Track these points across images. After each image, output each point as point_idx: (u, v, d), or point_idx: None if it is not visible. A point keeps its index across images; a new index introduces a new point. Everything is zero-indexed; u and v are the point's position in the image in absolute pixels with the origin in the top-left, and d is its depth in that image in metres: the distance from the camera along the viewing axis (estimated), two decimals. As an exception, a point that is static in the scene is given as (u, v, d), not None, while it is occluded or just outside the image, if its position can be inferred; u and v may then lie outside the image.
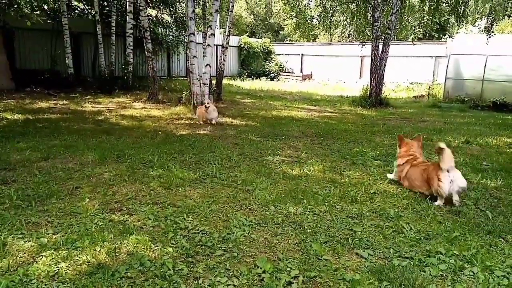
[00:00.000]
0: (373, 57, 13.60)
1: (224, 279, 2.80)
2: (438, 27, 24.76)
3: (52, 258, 2.97)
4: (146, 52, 13.04)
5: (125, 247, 3.18)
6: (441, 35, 26.85)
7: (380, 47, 13.49)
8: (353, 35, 21.29)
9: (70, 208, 3.92)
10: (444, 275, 2.90)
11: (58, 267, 2.86)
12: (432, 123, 10.29)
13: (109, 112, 10.11)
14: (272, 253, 3.21)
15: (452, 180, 4.21)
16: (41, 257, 2.99)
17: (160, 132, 7.84)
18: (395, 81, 20.16)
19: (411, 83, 20.48)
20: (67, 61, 14.40)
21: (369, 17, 16.20)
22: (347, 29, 20.94)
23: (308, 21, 17.27)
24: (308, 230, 3.61)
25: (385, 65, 13.56)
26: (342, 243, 3.38)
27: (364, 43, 16.48)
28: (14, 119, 8.52)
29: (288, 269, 2.95)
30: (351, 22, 18.27)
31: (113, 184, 4.68)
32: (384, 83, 14.13)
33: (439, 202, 4.33)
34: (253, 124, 9.35)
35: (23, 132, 7.26)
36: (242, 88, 18.50)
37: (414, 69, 20.92)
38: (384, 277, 2.82)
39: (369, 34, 18.16)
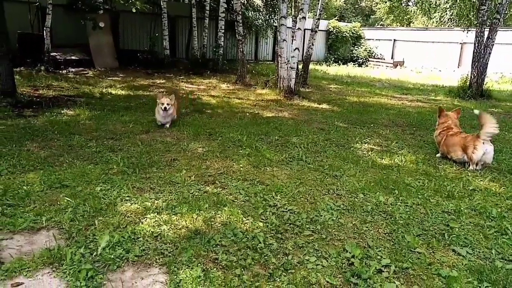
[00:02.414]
0: (476, 44, 12.38)
1: (313, 259, 2.84)
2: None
3: (155, 221, 3.25)
4: (237, 36, 13.35)
5: (219, 217, 3.37)
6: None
7: (486, 33, 12.24)
8: (453, 20, 19.59)
9: (169, 177, 4.23)
10: (557, 284, 2.62)
11: (160, 229, 3.13)
12: (544, 120, 9.17)
13: (200, 92, 10.60)
14: (361, 240, 3.17)
15: (485, 152, 4.95)
16: (145, 218, 3.29)
17: (247, 114, 8.05)
18: (499, 72, 18.22)
19: (519, 74, 18.34)
20: (164, 43, 15.32)
21: (474, 0, 14.75)
22: (447, 13, 19.33)
23: (403, 4, 16.22)
24: (400, 221, 3.49)
25: (490, 53, 12.28)
26: (437, 238, 3.22)
27: (468, 29, 15.07)
28: (118, 95, 9.34)
29: (379, 257, 2.89)
30: (453, 6, 16.81)
31: (206, 159, 4.95)
32: (486, 74, 12.85)
33: (472, 167, 5.07)
34: (339, 110, 9.16)
35: (126, 106, 7.94)
36: (328, 73, 18.13)
37: (524, 59, 18.67)
38: (485, 278, 2.64)
39: (472, 19, 16.60)
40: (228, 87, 11.87)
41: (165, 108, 6.17)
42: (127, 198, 3.67)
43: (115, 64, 14.12)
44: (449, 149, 5.40)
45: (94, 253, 2.76)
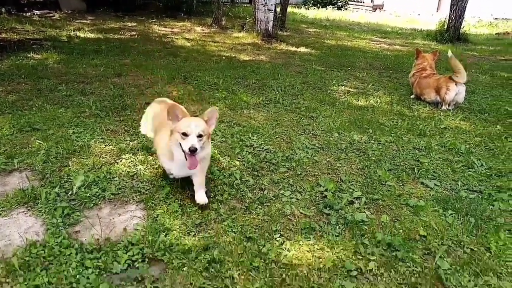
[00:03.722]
0: (455, -13, 12.21)
1: (288, 193, 2.92)
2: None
3: (131, 161, 3.24)
4: (211, -25, 12.72)
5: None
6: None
7: (466, -25, 12.03)
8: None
9: (144, 120, 4.16)
10: (515, 210, 2.80)
11: (136, 168, 3.12)
12: (516, 62, 9.34)
13: (174, 35, 10.21)
14: (334, 175, 3.26)
15: (457, 93, 5.11)
16: (121, 159, 3.27)
17: (223, 57, 7.85)
18: (476, 16, 18.20)
19: (496, 18, 18.39)
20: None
21: None
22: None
23: None
24: (373, 158, 3.59)
25: (468, -4, 12.18)
26: (407, 172, 3.34)
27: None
28: (87, 38, 8.90)
29: (351, 190, 2.99)
30: None
31: (182, 102, 4.85)
32: (464, 17, 12.80)
33: (444, 107, 5.22)
34: (317, 53, 9.05)
35: (97, 50, 7.60)
36: (307, 16, 17.69)
37: (500, 3, 18.62)
38: (449, 206, 2.79)
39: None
40: (203, 30, 11.47)
41: (193, 149, 2.42)
42: (101, 140, 3.62)
43: (82, 6, 13.36)
44: (423, 91, 5.48)
45: (70, 192, 2.75)
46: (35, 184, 2.84)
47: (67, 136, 3.63)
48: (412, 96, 5.70)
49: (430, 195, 2.98)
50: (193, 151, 2.37)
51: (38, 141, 3.49)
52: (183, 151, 2.45)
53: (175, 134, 2.50)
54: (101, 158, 3.28)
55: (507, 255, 2.30)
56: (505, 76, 7.56)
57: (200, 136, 2.43)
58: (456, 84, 5.08)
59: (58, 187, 2.80)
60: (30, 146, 3.42)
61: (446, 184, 3.17)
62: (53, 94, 4.87)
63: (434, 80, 5.35)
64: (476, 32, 15.12)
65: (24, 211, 2.55)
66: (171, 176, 2.84)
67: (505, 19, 17.89)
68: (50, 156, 3.24)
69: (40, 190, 2.72)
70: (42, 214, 2.51)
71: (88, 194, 2.72)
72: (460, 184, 3.15)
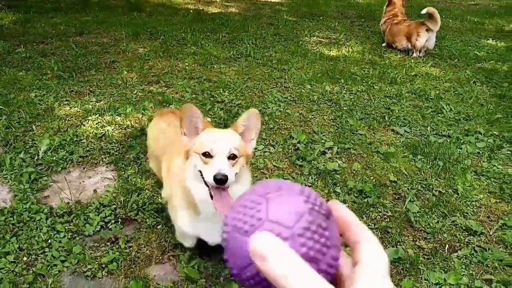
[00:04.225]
0: None
1: (261, 147, 2.91)
2: None
3: (98, 122, 3.13)
4: None
5: (165, 115, 3.29)
6: None
7: None
8: None
9: (110, 79, 4.00)
10: (481, 152, 2.89)
11: (104, 129, 3.03)
12: (485, 6, 9.35)
13: (138, -11, 9.66)
14: (307, 127, 3.26)
15: (427, 39, 5.09)
16: (87, 121, 3.16)
17: (191, 10, 7.53)
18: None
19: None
20: None
21: None
22: None
23: None
24: (344, 108, 3.59)
25: None
26: (378, 120, 3.37)
27: None
28: (45, -5, 8.33)
29: (323, 141, 3.01)
30: None
31: (149, 59, 4.68)
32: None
33: (415, 54, 5.20)
34: (288, 2, 8.78)
35: (55, 7, 7.13)
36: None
37: None
38: (419, 152, 2.85)
39: None
40: (169, -17, 10.89)
41: (221, 177, 1.43)
42: (66, 103, 3.47)
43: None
44: (394, 38, 5.43)
45: (36, 157, 2.66)
46: (-2, 151, 2.73)
47: (29, 100, 3.47)
48: (383, 44, 5.66)
49: (400, 141, 3.03)
50: (221, 181, 1.40)
51: (-2, 106, 3.32)
52: (206, 183, 1.50)
53: (193, 157, 1.55)
54: (66, 121, 3.15)
55: (473, 195, 2.40)
56: (475, 20, 7.58)
57: (232, 157, 1.49)
58: (427, 30, 5.05)
59: (23, 152, 2.70)
60: (-11, 112, 3.25)
61: (416, 130, 3.22)
62: (11, 56, 4.59)
63: (405, 27, 5.29)
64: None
65: (-12, 179, 2.46)
66: (191, 244, 1.84)
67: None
68: (12, 122, 3.10)
69: (4, 156, 2.61)
70: (8, 181, 2.43)
71: (55, 158, 2.64)
72: (429, 130, 3.21)
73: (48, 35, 5.45)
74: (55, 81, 3.93)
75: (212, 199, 1.48)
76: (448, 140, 3.05)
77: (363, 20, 7.43)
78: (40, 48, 4.90)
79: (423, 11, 5.09)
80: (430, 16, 5.00)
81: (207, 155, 1.49)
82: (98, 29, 5.83)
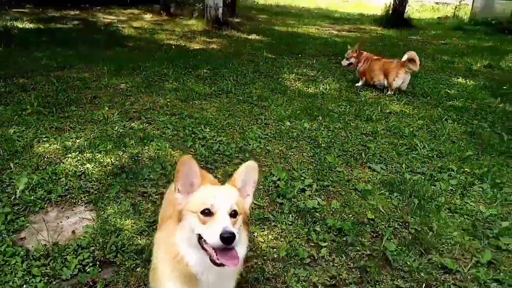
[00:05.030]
0: (399, -29, 12.63)
1: (241, 185, 2.93)
2: None
3: (78, 160, 3.11)
4: (157, -40, 12.27)
5: (147, 152, 3.31)
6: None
7: (409, -40, 12.47)
8: None
9: (91, 115, 4.01)
10: (454, 189, 3.00)
11: (84, 167, 3.01)
12: (455, 46, 9.86)
13: (121, 24, 9.82)
14: (287, 164, 3.32)
15: (403, 81, 5.37)
16: (67, 158, 3.14)
17: (173, 46, 7.68)
18: (419, 0, 18.95)
19: (437, 3, 19.22)
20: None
21: None
22: None
23: None
24: (323, 145, 3.69)
25: (411, -19, 12.65)
26: (356, 157, 3.47)
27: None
28: (26, 28, 8.37)
29: (302, 178, 3.07)
30: None
31: (130, 95, 4.72)
32: (408, 2, 13.30)
33: (390, 92, 5.42)
34: (268, 40, 9.06)
35: (37, 41, 7.17)
36: (257, 2, 17.64)
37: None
38: (395, 189, 2.94)
39: None
40: (151, 17, 11.12)
41: (228, 235, 1.26)
42: (45, 139, 3.45)
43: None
44: (372, 74, 5.61)
45: (13, 197, 2.61)
46: (-27, 190, 2.67)
47: (8, 136, 3.43)
48: (359, 84, 5.79)
49: (377, 178, 3.12)
50: (229, 239, 1.24)
51: (-25, 143, 3.27)
52: (205, 249, 1.33)
53: (188, 217, 1.37)
54: (45, 158, 3.13)
55: (447, 233, 2.47)
56: (445, 59, 7.97)
57: (234, 214, 1.35)
58: (405, 72, 5.30)
59: (0, 191, 2.65)
60: (-35, 149, 3.20)
61: (391, 167, 3.33)
62: (-11, 91, 4.55)
63: (386, 63, 5.50)
64: (419, 16, 15.74)
65: (-38, 220, 2.39)
66: None
67: (445, 3, 18.76)
68: (-12, 159, 3.05)
69: (-22, 197, 2.56)
70: (-17, 223, 2.37)
71: (32, 198, 2.60)
72: (404, 167, 3.32)
73: (29, 69, 5.45)
74: (35, 116, 3.91)
75: (213, 263, 1.29)
76: (423, 177, 3.16)
77: (339, 58, 7.70)
78: (20, 83, 4.89)
79: (404, 57, 5.30)
80: (410, 59, 5.25)
81: (206, 213, 1.31)
82: (80, 64, 5.87)
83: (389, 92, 5.39)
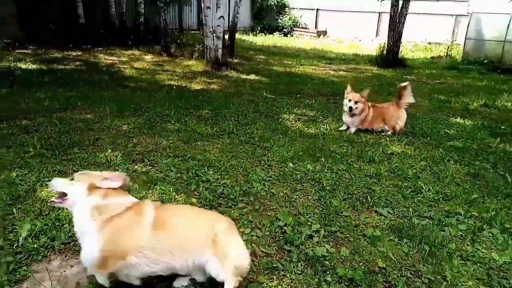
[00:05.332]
0: (392, 14, 13.09)
1: (248, 230, 2.89)
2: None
3: (81, 205, 3.06)
4: (158, 2, 12.68)
5: (151, 196, 3.27)
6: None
7: (400, 2, 12.96)
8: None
9: (94, 158, 4.00)
10: (463, 235, 2.96)
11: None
12: (450, 85, 10.09)
13: (122, 64, 10.01)
14: (292, 208, 3.28)
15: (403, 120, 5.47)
16: (70, 203, 3.09)
17: (174, 87, 7.80)
18: (412, 40, 19.55)
19: (429, 43, 19.84)
20: (78, 11, 14.09)
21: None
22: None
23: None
24: (327, 187, 3.67)
25: (404, 22, 13.08)
26: (361, 200, 3.44)
27: (382, -2, 15.83)
28: (29, 69, 8.49)
29: (309, 223, 3.03)
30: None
31: (133, 136, 4.74)
32: (401, 42, 13.71)
33: (390, 132, 5.45)
34: (267, 80, 9.24)
35: (40, 82, 7.26)
36: (255, 43, 18.10)
37: (433, 28, 20.16)
38: (404, 235, 2.89)
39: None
40: (152, 58, 11.35)
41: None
42: (48, 183, 3.40)
43: (22, 35, 12.71)
44: (374, 121, 5.52)
45: (15, 244, 2.55)
46: (-26, 237, 2.60)
47: (10, 180, 3.40)
48: (352, 131, 5.52)
49: (384, 223, 3.08)
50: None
51: (-24, 187, 3.22)
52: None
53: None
54: (48, 203, 3.08)
55: (461, 282, 2.42)
56: (442, 98, 8.12)
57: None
58: (403, 112, 5.44)
59: (1, 239, 2.58)
60: (-33, 193, 3.15)
61: (398, 211, 3.30)
62: (-8, 133, 4.55)
63: (381, 110, 5.54)
64: (413, 56, 16.20)
65: (-39, 270, 2.32)
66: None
67: (437, 43, 19.36)
68: (-9, 204, 3.00)
69: (-20, 245, 2.49)
70: (-17, 273, 2.29)
71: (35, 245, 2.54)
72: (411, 211, 3.29)
73: (32, 110, 5.48)
74: (38, 159, 3.89)
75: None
76: (431, 222, 3.12)
77: (337, 97, 7.83)
78: (23, 124, 4.90)
79: (403, 84, 5.48)
80: (402, 90, 5.41)
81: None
82: (82, 105, 5.92)
83: (389, 133, 5.44)
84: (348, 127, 5.55)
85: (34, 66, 8.78)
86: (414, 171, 4.16)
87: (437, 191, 3.70)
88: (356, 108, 5.29)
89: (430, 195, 3.60)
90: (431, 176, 4.06)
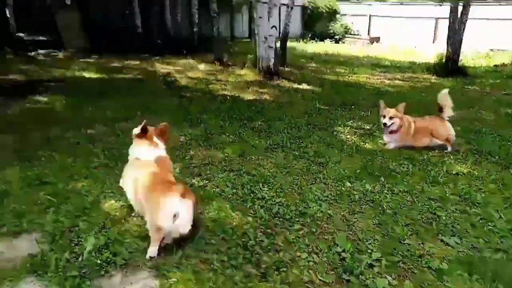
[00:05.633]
0: (451, 20, 12.44)
1: (305, 255, 2.82)
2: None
3: (142, 219, 3.15)
4: (211, 13, 12.96)
5: (208, 212, 3.30)
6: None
7: (460, 8, 12.29)
8: (429, -5, 19.58)
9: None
10: (543, 273, 2.70)
11: (146, 227, 3.03)
12: (518, 97, 9.38)
13: (177, 74, 10.31)
14: (351, 232, 3.17)
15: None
16: (131, 217, 3.19)
17: (228, 97, 7.89)
18: (473, 47, 18.48)
19: (492, 50, 18.66)
20: (136, 21, 14.75)
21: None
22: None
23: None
24: (388, 211, 3.50)
25: (464, 28, 12.38)
26: (425, 227, 3.25)
27: (441, 3, 15.13)
28: (92, 78, 8.99)
29: (369, 250, 2.90)
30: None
31: (190, 148, 4.83)
32: (461, 50, 12.97)
33: (450, 148, 5.13)
34: (319, 90, 9.11)
35: (102, 91, 7.64)
36: (306, 51, 17.96)
37: (496, 34, 18.94)
38: (474, 270, 2.68)
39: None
40: (205, 67, 11.60)
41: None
42: (111, 195, 3.55)
43: (86, 44, 13.52)
44: (417, 136, 5.20)
45: (80, 258, 2.65)
46: (44, 248, 2.75)
47: (77, 191, 3.57)
48: (392, 146, 5.26)
49: (452, 255, 2.88)
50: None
51: (48, 197, 3.42)
52: None
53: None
54: (111, 216, 3.19)
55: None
56: (509, 112, 7.57)
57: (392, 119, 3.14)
58: (449, 124, 5.17)
59: (68, 252, 2.70)
60: (39, 202, 3.35)
61: (467, 241, 3.07)
62: (61, 141, 4.84)
63: (425, 123, 5.22)
64: (474, 64, 15.29)
65: (33, 281, 2.45)
66: None
67: (501, 50, 18.15)
68: (59, 215, 3.17)
69: (50, 256, 2.62)
70: (52, 285, 2.41)
71: (98, 261, 2.63)
72: (481, 242, 3.05)
73: (96, 119, 5.77)
74: (102, 170, 4.07)
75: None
76: (504, 256, 2.88)
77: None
78: (88, 134, 5.15)
79: (443, 91, 5.22)
80: (443, 102, 5.15)
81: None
82: (141, 115, 6.13)
83: (449, 148, 5.14)
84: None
85: (96, 75, 9.28)
86: (483, 195, 3.87)
87: (510, 219, 3.41)
88: (392, 123, 5.06)
89: (502, 224, 3.33)
90: (502, 202, 3.76)
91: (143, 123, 3.16)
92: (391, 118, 5.08)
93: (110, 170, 4.06)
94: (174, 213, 2.57)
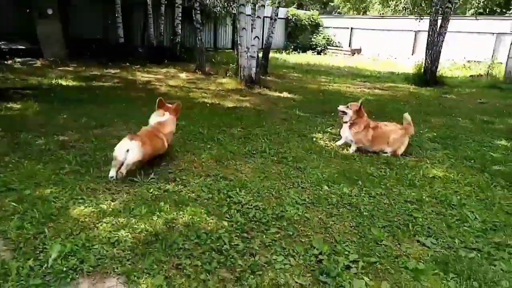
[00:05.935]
0: (430, 32, 12.77)
1: (281, 258, 2.75)
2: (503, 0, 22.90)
3: (112, 225, 3.03)
4: (194, 23, 12.95)
5: (181, 218, 3.20)
6: (505, 10, 24.80)
7: (439, 21, 12.63)
8: (407, 9, 20.08)
9: (126, 176, 3.99)
10: (517, 271, 2.70)
11: (117, 234, 2.92)
12: (492, 105, 9.62)
13: (158, 82, 10.22)
14: (328, 235, 3.12)
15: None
16: (101, 223, 3.06)
17: (208, 104, 7.83)
18: (450, 59, 18.96)
19: (468, 61, 19.17)
20: (118, 31, 14.61)
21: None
22: (401, 1, 19.84)
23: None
24: (365, 213, 3.47)
25: (442, 41, 12.72)
26: (402, 229, 3.23)
27: (421, 17, 15.50)
28: (69, 86, 8.80)
29: (346, 252, 2.85)
30: (407, -6, 17.24)
31: (166, 154, 4.72)
32: (439, 61, 13.29)
33: (389, 155, 5.20)
34: (300, 99, 9.14)
35: (78, 99, 7.48)
36: (288, 61, 18.11)
37: (472, 47, 19.49)
38: (450, 269, 2.66)
39: (424, 8, 17.11)
40: (187, 76, 11.54)
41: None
42: (81, 201, 3.41)
43: (65, 53, 13.30)
44: (377, 141, 5.26)
45: (45, 265, 2.52)
46: (6, 256, 2.61)
47: (44, 197, 3.42)
48: (353, 150, 5.33)
49: (428, 255, 2.86)
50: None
51: (13, 203, 3.26)
52: None
53: None
54: (79, 223, 3.06)
55: (518, 327, 2.17)
56: (484, 119, 7.73)
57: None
58: (407, 139, 5.27)
59: (32, 259, 2.57)
60: (4, 209, 3.20)
61: (443, 241, 3.06)
62: (31, 148, 4.67)
63: (386, 131, 5.26)
64: (451, 75, 15.66)
65: (-9, 290, 2.31)
66: None
67: (477, 61, 18.67)
68: (25, 222, 3.02)
69: (11, 265, 2.48)
70: (12, 294, 2.27)
71: (64, 268, 2.50)
72: (457, 242, 3.04)
73: (69, 126, 5.61)
74: (72, 176, 3.93)
75: None
76: (479, 255, 2.87)
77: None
78: (60, 140, 5.00)
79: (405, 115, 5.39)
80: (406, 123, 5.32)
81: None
82: (117, 122, 6.02)
83: (389, 154, 5.20)
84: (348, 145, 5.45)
85: (74, 83, 9.11)
86: (459, 197, 3.89)
87: (485, 220, 3.43)
88: (345, 113, 5.36)
89: (477, 224, 3.34)
90: (477, 203, 3.78)
91: (158, 100, 4.85)
92: (347, 107, 5.36)
93: (80, 177, 3.92)
94: (127, 149, 3.83)
